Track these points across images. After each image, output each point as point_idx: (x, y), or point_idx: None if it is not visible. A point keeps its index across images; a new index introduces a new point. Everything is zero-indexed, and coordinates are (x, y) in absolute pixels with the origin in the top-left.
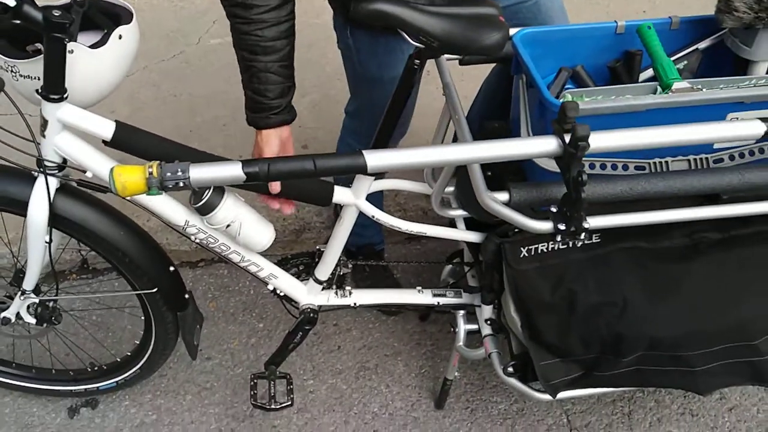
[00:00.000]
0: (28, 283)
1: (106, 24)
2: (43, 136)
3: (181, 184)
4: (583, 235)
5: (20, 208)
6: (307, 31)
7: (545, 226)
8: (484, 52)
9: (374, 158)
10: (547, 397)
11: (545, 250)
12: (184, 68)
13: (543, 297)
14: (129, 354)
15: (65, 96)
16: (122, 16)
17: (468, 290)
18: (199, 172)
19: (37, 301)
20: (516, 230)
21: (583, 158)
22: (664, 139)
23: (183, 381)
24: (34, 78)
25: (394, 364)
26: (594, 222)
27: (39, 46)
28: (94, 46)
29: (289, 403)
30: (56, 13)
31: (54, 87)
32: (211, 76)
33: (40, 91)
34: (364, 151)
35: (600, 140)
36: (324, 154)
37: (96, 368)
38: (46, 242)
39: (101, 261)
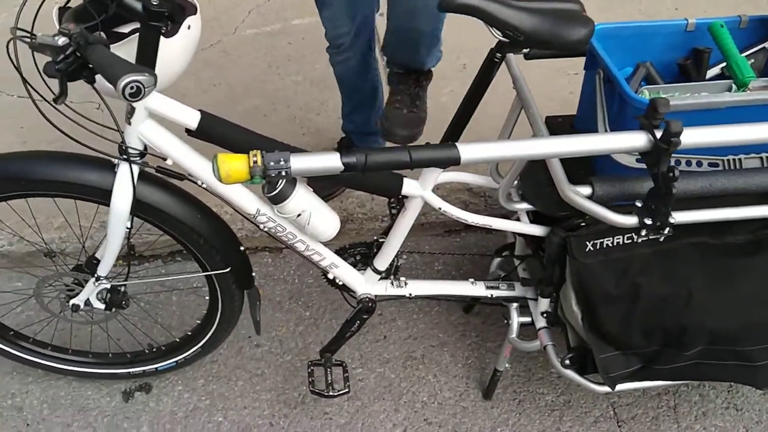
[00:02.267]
0: (103, 269)
1: (176, 12)
2: (129, 124)
3: (283, 173)
4: (667, 230)
5: (102, 196)
6: None
7: (630, 220)
8: (569, 48)
9: (468, 150)
10: (604, 388)
11: (610, 245)
12: (223, 57)
13: (607, 289)
14: (189, 333)
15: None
16: (185, 6)
17: (524, 283)
18: (299, 162)
19: (109, 286)
20: (582, 224)
21: None
22: (754, 136)
23: (234, 367)
24: None
25: (441, 354)
26: (679, 217)
27: (123, 29)
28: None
29: (347, 390)
30: (154, 1)
31: None
32: (248, 65)
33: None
34: (457, 144)
35: (692, 136)
36: (418, 145)
37: (154, 349)
38: (127, 228)
39: (149, 248)
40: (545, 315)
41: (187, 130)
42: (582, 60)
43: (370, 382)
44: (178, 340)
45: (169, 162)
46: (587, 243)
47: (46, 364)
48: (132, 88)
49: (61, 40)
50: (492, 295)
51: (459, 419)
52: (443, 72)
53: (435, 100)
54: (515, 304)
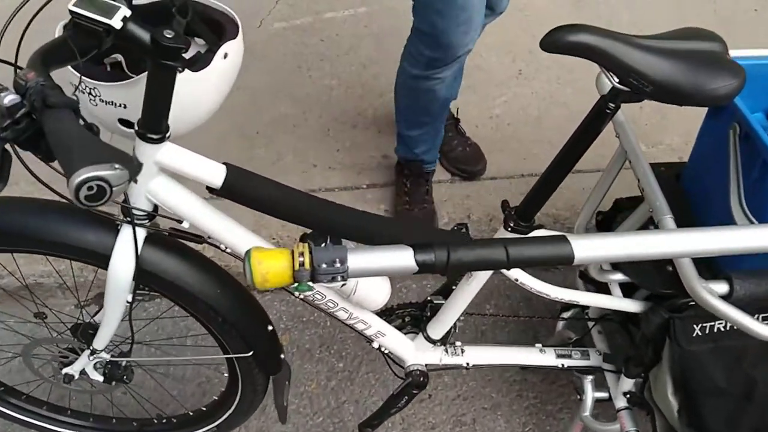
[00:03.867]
0: (100, 343)
1: (209, 37)
2: (134, 181)
3: (339, 279)
4: None
5: (99, 260)
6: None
7: None
8: (712, 103)
9: (583, 247)
10: None
11: (722, 329)
12: (246, 56)
13: (715, 382)
14: (204, 409)
15: (168, 135)
16: (224, 26)
17: (606, 359)
18: (359, 262)
19: (108, 358)
20: (691, 303)
21: None
22: None
23: (257, 430)
24: (119, 105)
25: (494, 419)
26: None
27: (119, 57)
28: (192, 66)
29: None
30: (168, 34)
31: (156, 124)
32: (276, 65)
33: (136, 128)
34: (569, 238)
35: None
36: (517, 239)
37: (164, 420)
38: (128, 302)
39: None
40: (628, 395)
41: (210, 188)
42: None
43: None
44: (191, 414)
45: (185, 224)
46: (695, 327)
47: (41, 425)
48: (91, 188)
49: (8, 99)
50: (563, 365)
51: None
52: (496, 77)
53: (487, 113)
54: (590, 377)
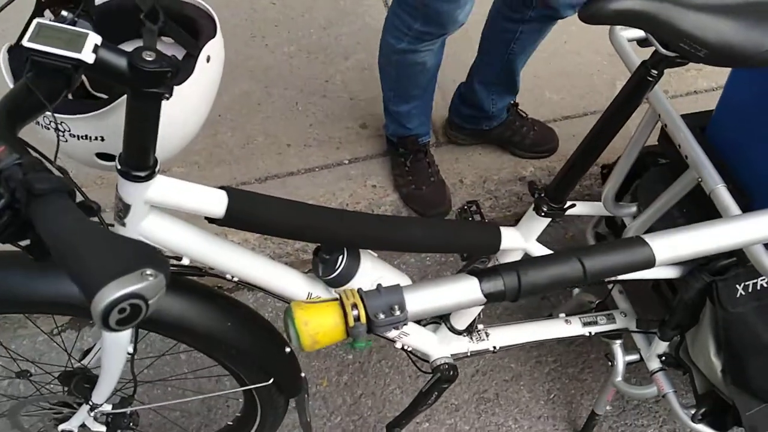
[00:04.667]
0: (100, 397)
1: (185, 40)
2: (122, 225)
3: (400, 328)
4: None
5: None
6: None
7: None
8: None
9: (664, 248)
10: None
11: (765, 285)
12: None
13: (761, 340)
14: None
15: (158, 169)
16: (199, 23)
17: (640, 325)
18: (419, 303)
19: (110, 411)
20: (734, 263)
21: None
22: None
23: None
24: (95, 138)
25: (517, 390)
26: None
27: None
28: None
29: None
30: (148, 56)
31: (141, 161)
32: (227, 38)
33: (118, 167)
34: (646, 239)
35: None
36: (590, 249)
37: None
38: (129, 354)
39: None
40: (663, 357)
41: (209, 219)
42: None
43: None
44: None
45: (185, 260)
46: (737, 287)
47: None
48: (123, 310)
49: None
50: (591, 332)
51: None
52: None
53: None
54: (619, 341)
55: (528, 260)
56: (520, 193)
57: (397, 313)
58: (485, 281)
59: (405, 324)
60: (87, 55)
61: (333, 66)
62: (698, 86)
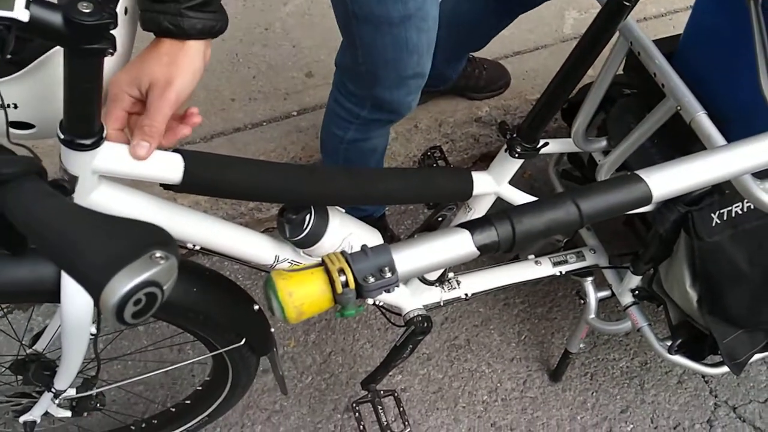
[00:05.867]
0: (63, 382)
1: None
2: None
3: (392, 291)
4: None
5: (46, 296)
6: None
7: None
8: None
9: (660, 183)
10: (719, 371)
11: (740, 212)
12: None
13: (738, 267)
14: (188, 402)
15: (104, 135)
16: None
17: (613, 262)
18: (409, 262)
19: (75, 395)
20: (708, 192)
21: None
22: None
23: (244, 408)
24: (8, 106)
25: (488, 335)
26: None
27: None
28: None
29: (408, 429)
30: (85, 8)
31: (86, 127)
32: None
33: (60, 136)
34: (642, 174)
35: None
36: (583, 189)
37: (144, 425)
38: (92, 335)
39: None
40: (636, 291)
41: (164, 185)
42: None
43: (416, 390)
44: (173, 410)
45: None
46: (712, 215)
47: None
48: (138, 301)
49: None
50: (562, 272)
51: (531, 414)
52: None
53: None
54: (590, 278)
55: (519, 207)
56: (477, 134)
57: (388, 275)
58: (477, 233)
59: (397, 286)
60: (21, 13)
61: (271, 13)
62: (647, 13)
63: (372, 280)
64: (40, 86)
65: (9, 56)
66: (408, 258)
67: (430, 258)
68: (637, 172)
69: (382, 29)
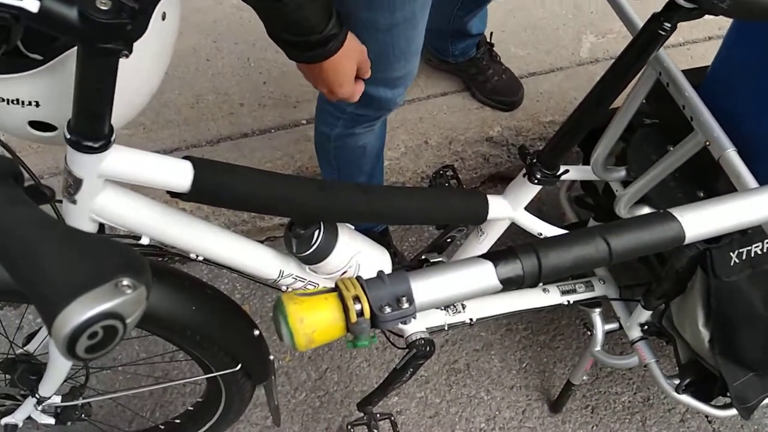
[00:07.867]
0: (48, 389)
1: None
2: (72, 202)
3: (408, 322)
4: None
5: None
6: None
7: None
8: None
9: (694, 223)
10: (727, 413)
11: (759, 252)
12: None
13: (754, 309)
14: (178, 421)
15: (113, 138)
16: None
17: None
18: (427, 292)
19: (59, 404)
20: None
21: None
22: None
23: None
24: (28, 104)
25: (488, 360)
26: None
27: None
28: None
29: None
30: (103, 5)
31: (96, 128)
32: None
33: (67, 136)
34: (675, 213)
35: None
36: (613, 225)
37: None
38: None
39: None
40: (645, 326)
41: (171, 193)
42: None
43: (412, 413)
44: (161, 427)
45: (144, 240)
46: (731, 254)
47: None
48: (94, 335)
49: None
50: (569, 301)
51: None
52: None
53: None
54: (598, 310)
55: (546, 240)
56: (487, 154)
57: (405, 305)
58: (501, 265)
59: (414, 318)
60: (30, 3)
61: None
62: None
63: (388, 310)
64: (63, 85)
65: (34, 55)
66: (427, 288)
67: (450, 290)
68: (671, 210)
69: (369, 33)
